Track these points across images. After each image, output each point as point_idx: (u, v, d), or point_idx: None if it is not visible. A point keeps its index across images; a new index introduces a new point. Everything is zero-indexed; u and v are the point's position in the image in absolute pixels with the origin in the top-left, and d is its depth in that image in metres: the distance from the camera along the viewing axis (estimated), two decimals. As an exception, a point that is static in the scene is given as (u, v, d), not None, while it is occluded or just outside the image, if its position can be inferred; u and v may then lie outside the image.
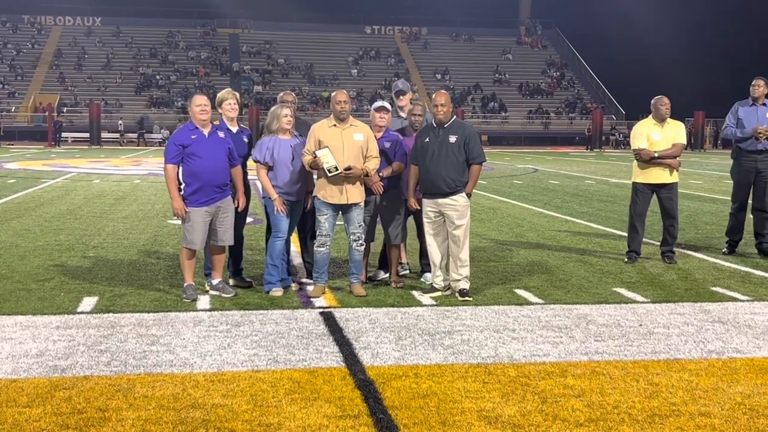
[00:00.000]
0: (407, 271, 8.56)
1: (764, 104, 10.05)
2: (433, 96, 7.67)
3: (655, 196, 9.66)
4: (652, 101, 9.64)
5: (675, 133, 9.56)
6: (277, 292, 7.63)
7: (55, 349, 5.80)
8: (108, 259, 9.51)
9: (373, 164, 7.56)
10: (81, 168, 27.83)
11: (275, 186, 7.63)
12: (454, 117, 7.70)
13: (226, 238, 7.53)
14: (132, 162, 32.68)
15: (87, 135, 52.29)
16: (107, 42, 68.71)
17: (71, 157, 35.36)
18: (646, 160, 9.44)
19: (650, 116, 9.72)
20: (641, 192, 9.62)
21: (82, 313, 6.90)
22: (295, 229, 8.17)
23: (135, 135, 54.19)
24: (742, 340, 6.21)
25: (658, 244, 10.06)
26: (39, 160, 33.00)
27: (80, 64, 65.34)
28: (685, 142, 9.72)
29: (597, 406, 4.73)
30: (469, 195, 7.58)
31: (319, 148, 7.44)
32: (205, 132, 7.40)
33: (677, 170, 9.57)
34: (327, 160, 7.36)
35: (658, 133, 9.51)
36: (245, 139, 7.95)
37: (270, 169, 7.64)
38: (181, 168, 7.39)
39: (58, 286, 7.95)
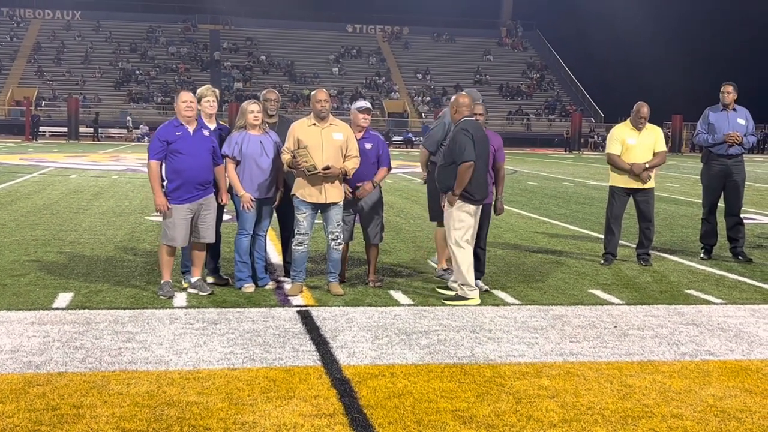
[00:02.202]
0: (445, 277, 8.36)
1: (734, 109, 10.14)
2: None
3: (631, 199, 9.72)
4: (634, 107, 9.64)
5: (653, 139, 9.58)
6: (249, 288, 7.63)
7: (30, 344, 5.77)
8: (84, 255, 9.45)
9: (352, 164, 7.56)
10: (58, 163, 27.64)
11: (242, 181, 7.61)
12: (461, 120, 7.55)
13: (208, 235, 7.50)
14: (110, 157, 32.48)
15: (65, 129, 51.88)
16: (87, 36, 68.21)
17: (49, 152, 35.11)
18: (639, 172, 9.42)
19: (628, 120, 9.75)
20: (618, 195, 9.68)
21: (57, 309, 6.86)
22: (270, 227, 8.15)
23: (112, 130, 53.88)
24: (715, 343, 6.28)
25: (634, 246, 10.13)
26: (16, 154, 32.73)
27: (59, 58, 64.84)
28: (666, 149, 9.77)
29: (571, 407, 4.77)
30: (453, 193, 7.40)
31: (299, 147, 7.44)
32: (190, 129, 7.38)
33: (654, 175, 9.65)
34: (305, 159, 7.36)
35: (634, 138, 9.55)
36: (223, 136, 7.92)
37: (238, 163, 7.62)
38: (164, 164, 7.36)
39: (33, 282, 7.89)
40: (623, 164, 9.50)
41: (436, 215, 8.38)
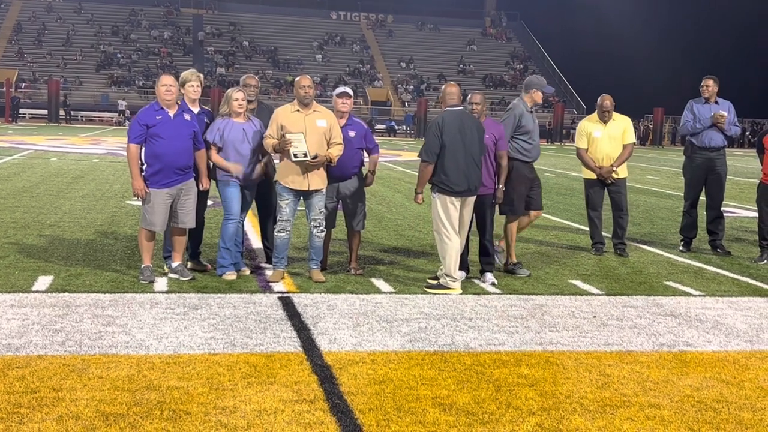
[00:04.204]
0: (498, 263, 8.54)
1: (717, 102, 10.22)
2: None
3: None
4: (598, 100, 9.77)
5: (621, 130, 9.68)
6: (230, 275, 7.60)
7: (9, 327, 5.74)
8: (64, 239, 9.40)
9: (336, 151, 7.55)
10: (38, 145, 27.39)
11: (224, 168, 7.60)
12: (445, 109, 7.61)
13: (188, 220, 7.48)
14: (90, 141, 32.24)
15: (45, 112, 51.42)
16: (68, 18, 67.47)
17: (28, 134, 34.78)
18: (607, 176, 9.55)
19: (595, 113, 9.85)
20: (594, 187, 9.80)
21: (36, 291, 6.82)
22: (250, 213, 8.13)
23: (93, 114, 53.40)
24: (693, 334, 6.34)
25: (611, 236, 10.18)
26: (-5, 136, 32.41)
27: (40, 40, 64.14)
28: (634, 140, 9.87)
29: (549, 396, 4.80)
30: (416, 192, 7.70)
31: (282, 134, 7.41)
32: (171, 113, 7.34)
33: (624, 165, 9.74)
34: (298, 144, 7.33)
35: (600, 130, 9.68)
36: (206, 120, 7.89)
37: (219, 150, 7.60)
38: (143, 148, 7.32)
39: (12, 264, 7.84)
40: (591, 164, 9.66)
41: (506, 209, 8.51)
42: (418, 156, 7.59)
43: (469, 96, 8.08)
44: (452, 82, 7.95)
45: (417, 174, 7.69)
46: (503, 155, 8.06)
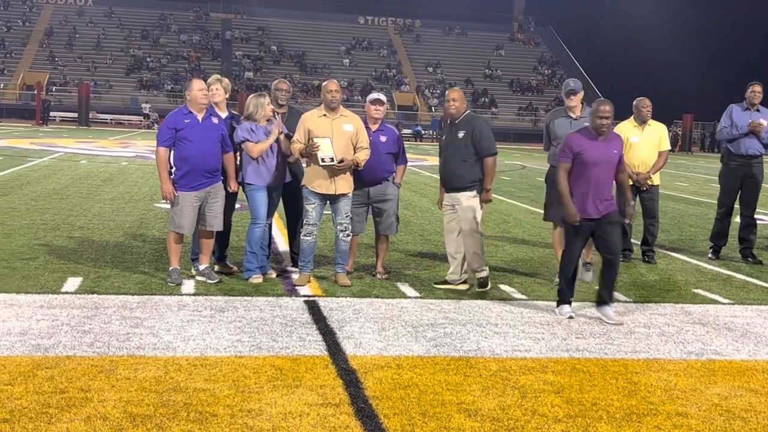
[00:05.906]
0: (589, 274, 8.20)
1: (758, 110, 10.07)
2: (447, 92, 7.82)
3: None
4: (634, 102, 9.68)
5: (657, 136, 9.57)
6: (257, 279, 7.64)
7: (39, 328, 5.80)
8: (93, 240, 9.49)
9: (363, 155, 7.56)
10: (68, 148, 27.69)
11: (247, 172, 7.63)
12: (467, 112, 7.70)
13: (215, 223, 7.54)
14: (120, 144, 32.55)
15: (75, 115, 51.99)
16: (98, 22, 68.20)
17: (59, 137, 35.18)
18: (644, 182, 9.47)
19: (631, 117, 9.75)
20: None
21: (66, 293, 6.90)
22: (276, 215, 8.17)
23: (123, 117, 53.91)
24: (722, 343, 6.28)
25: (639, 243, 10.11)
26: (26, 138, 32.81)
27: (71, 44, 64.88)
28: (669, 148, 9.77)
29: (576, 403, 4.78)
30: (487, 190, 7.63)
31: (310, 138, 7.44)
32: (199, 117, 7.41)
33: (658, 172, 9.66)
34: (325, 149, 7.36)
35: (638, 135, 9.55)
36: (234, 125, 7.94)
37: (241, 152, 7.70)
38: (172, 151, 7.40)
39: (42, 266, 7.93)
40: (628, 170, 9.49)
41: (554, 215, 8.16)
42: (489, 154, 7.57)
43: (595, 105, 6.87)
44: (456, 89, 7.98)
45: (485, 173, 7.62)
46: (622, 170, 7.05)
